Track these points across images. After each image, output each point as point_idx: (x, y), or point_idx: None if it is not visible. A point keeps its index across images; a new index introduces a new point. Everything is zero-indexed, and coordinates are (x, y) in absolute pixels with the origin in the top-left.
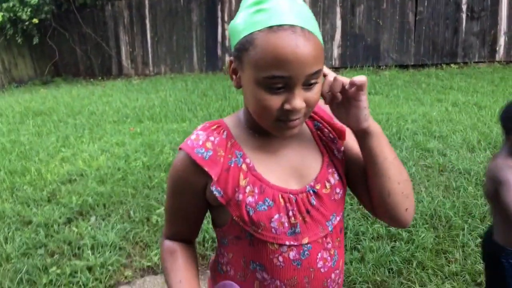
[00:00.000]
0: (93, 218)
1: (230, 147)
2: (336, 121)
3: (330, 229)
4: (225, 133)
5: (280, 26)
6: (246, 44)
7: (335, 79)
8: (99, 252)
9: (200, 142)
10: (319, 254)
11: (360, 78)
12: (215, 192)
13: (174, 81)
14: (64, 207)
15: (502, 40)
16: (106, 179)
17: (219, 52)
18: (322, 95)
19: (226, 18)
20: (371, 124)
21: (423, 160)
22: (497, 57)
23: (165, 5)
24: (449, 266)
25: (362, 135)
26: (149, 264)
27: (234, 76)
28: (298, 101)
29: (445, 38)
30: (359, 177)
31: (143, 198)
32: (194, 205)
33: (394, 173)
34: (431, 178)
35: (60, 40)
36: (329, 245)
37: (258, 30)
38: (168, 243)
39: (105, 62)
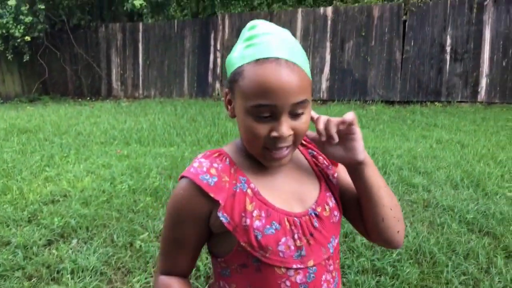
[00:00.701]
0: (74, 241)
1: (234, 173)
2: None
3: (331, 251)
4: (227, 160)
5: (266, 59)
6: (236, 76)
7: (328, 120)
8: (79, 277)
9: (204, 169)
10: (323, 277)
11: (349, 116)
12: (221, 218)
13: (164, 105)
14: (45, 229)
15: (483, 82)
16: (90, 201)
17: (210, 78)
18: (318, 134)
19: (218, 47)
20: (366, 155)
21: (408, 196)
22: (479, 98)
23: (158, 31)
24: None
25: (359, 166)
26: None
27: (229, 106)
28: (285, 128)
29: (430, 77)
30: (352, 204)
31: (128, 222)
32: (195, 234)
33: (387, 200)
34: (416, 213)
35: (51, 59)
36: (331, 267)
37: (247, 63)
38: (163, 278)
39: (95, 82)
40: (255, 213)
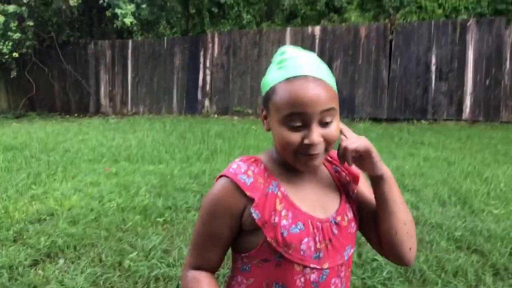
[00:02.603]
0: (61, 261)
1: (267, 177)
2: (351, 167)
3: (346, 258)
4: (262, 165)
5: (295, 77)
6: (270, 94)
7: (345, 148)
8: None
9: (243, 170)
10: (333, 280)
11: (361, 147)
12: (253, 215)
13: (152, 121)
14: (31, 248)
15: (468, 100)
16: (78, 219)
17: (199, 95)
18: (338, 157)
19: (207, 64)
20: (385, 171)
21: None
22: (464, 116)
23: (148, 48)
24: None
25: (376, 181)
26: None
27: (264, 121)
28: (316, 136)
29: (416, 95)
30: (369, 219)
31: (116, 241)
32: (228, 229)
33: (401, 214)
34: None
35: (38, 75)
36: (342, 274)
37: (279, 82)
38: (192, 272)
39: (83, 99)
40: (283, 213)
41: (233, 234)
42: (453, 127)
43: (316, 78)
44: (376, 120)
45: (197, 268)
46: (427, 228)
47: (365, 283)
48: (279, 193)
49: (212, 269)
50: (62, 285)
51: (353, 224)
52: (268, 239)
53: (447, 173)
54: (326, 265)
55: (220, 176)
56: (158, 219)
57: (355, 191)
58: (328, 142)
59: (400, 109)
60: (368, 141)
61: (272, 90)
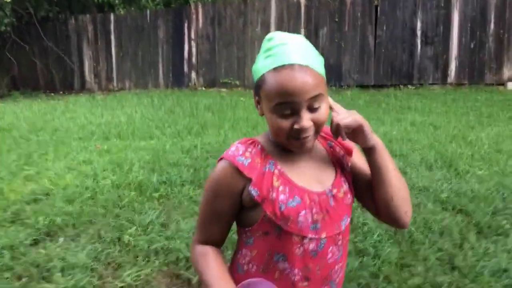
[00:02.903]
0: (61, 239)
1: (264, 157)
2: (344, 141)
3: (342, 228)
4: (259, 146)
5: (281, 66)
6: (260, 83)
7: (337, 125)
8: (69, 274)
9: (240, 152)
10: (330, 248)
11: (353, 123)
12: (252, 192)
13: (140, 97)
14: (30, 228)
15: (453, 65)
16: (74, 198)
17: (186, 68)
18: (331, 132)
19: (193, 36)
20: (376, 142)
21: None
22: (449, 80)
23: (131, 21)
24: (412, 279)
25: (368, 151)
26: (122, 285)
27: (258, 106)
28: (305, 121)
29: (402, 60)
30: (365, 188)
31: (114, 217)
32: (231, 206)
33: (395, 181)
34: None
35: (19, 53)
36: (339, 242)
37: (267, 71)
38: (200, 247)
39: (67, 76)
40: (280, 189)
41: (235, 211)
42: (439, 91)
43: (302, 66)
44: (363, 87)
45: (204, 243)
46: (414, 192)
47: (357, 246)
48: (276, 171)
49: (217, 244)
50: (65, 261)
51: (349, 195)
52: (267, 213)
53: (433, 137)
54: (323, 235)
55: (221, 159)
56: (154, 194)
57: (349, 163)
58: (317, 125)
59: (386, 75)
60: (359, 115)
61: (262, 79)
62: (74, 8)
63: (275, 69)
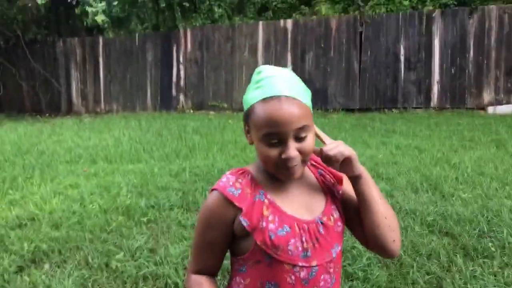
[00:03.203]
0: (47, 266)
1: (254, 186)
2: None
3: (333, 256)
4: (249, 176)
5: (270, 98)
6: (249, 112)
7: (326, 156)
8: None
9: (231, 183)
10: (322, 276)
11: (341, 156)
12: (242, 222)
13: (127, 119)
14: (15, 254)
15: (435, 89)
16: (61, 223)
17: (174, 91)
18: (323, 161)
19: (181, 59)
20: (362, 171)
21: None
22: (432, 104)
23: (119, 45)
24: None
25: (354, 180)
26: None
27: (247, 135)
28: (291, 151)
29: (386, 85)
30: (354, 215)
31: (101, 242)
32: (223, 236)
33: (381, 209)
34: None
35: (5, 75)
36: (331, 270)
37: (256, 102)
38: (194, 277)
39: (54, 98)
40: (270, 218)
41: (227, 241)
42: (422, 115)
43: (289, 97)
44: (348, 110)
45: (199, 272)
46: (401, 215)
47: (346, 270)
48: (265, 200)
49: (212, 273)
50: None
51: (339, 223)
52: (258, 242)
53: (418, 160)
54: (314, 263)
55: (213, 190)
56: (142, 218)
57: (340, 191)
58: (304, 154)
59: (371, 99)
60: (346, 146)
61: (251, 109)
62: (62, 31)
63: (263, 100)
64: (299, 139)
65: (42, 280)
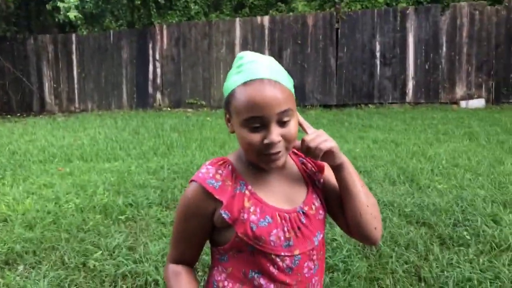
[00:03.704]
0: (21, 267)
1: (235, 178)
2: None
3: (316, 243)
4: (230, 167)
5: (251, 80)
6: (230, 98)
7: (307, 147)
8: None
9: (211, 175)
10: (306, 263)
11: (324, 148)
12: (223, 215)
13: (103, 118)
14: None
15: (410, 84)
16: (35, 223)
17: (150, 89)
18: (303, 153)
19: (157, 57)
20: (343, 160)
21: None
22: (407, 99)
23: (93, 42)
24: None
25: (336, 169)
26: None
27: (228, 124)
28: (274, 135)
29: (363, 81)
30: (336, 203)
31: (78, 242)
32: (201, 228)
33: (363, 197)
34: None
35: None
36: (314, 257)
37: (237, 86)
38: (172, 266)
39: (25, 97)
40: (251, 209)
41: (206, 232)
42: (398, 110)
43: (272, 80)
44: (326, 106)
45: (177, 261)
46: (380, 207)
47: (327, 262)
48: (246, 192)
49: (190, 262)
50: None
51: (321, 211)
52: (239, 234)
53: (395, 153)
54: (297, 251)
55: (192, 181)
56: (120, 217)
57: (321, 180)
58: (287, 141)
59: (348, 95)
60: (327, 137)
61: (232, 94)
62: (33, 27)
63: (244, 83)
64: (282, 123)
65: (16, 282)
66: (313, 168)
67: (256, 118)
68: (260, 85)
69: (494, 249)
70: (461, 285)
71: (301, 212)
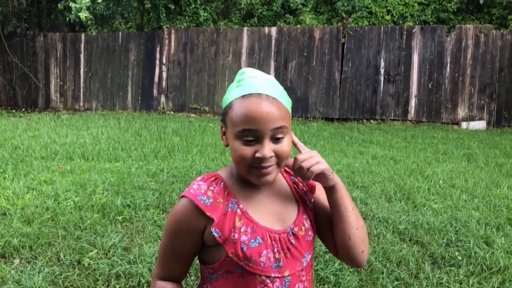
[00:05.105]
0: (17, 261)
1: (227, 195)
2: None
3: (304, 264)
4: (222, 184)
5: (250, 95)
6: (227, 109)
7: (300, 168)
8: None
9: (203, 191)
10: (296, 285)
11: (316, 170)
12: (214, 233)
13: (106, 118)
14: None
15: (413, 102)
16: (33, 219)
17: (155, 92)
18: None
19: (164, 60)
20: (336, 182)
21: None
22: (409, 117)
23: (102, 42)
24: None
25: (328, 191)
26: None
27: (223, 137)
28: (267, 150)
29: (366, 96)
30: (325, 224)
31: (75, 240)
32: (191, 245)
33: (353, 220)
34: None
35: None
36: (304, 278)
37: (235, 99)
38: (160, 283)
39: (31, 93)
40: (242, 229)
41: (196, 250)
42: (399, 127)
43: (270, 96)
44: (328, 119)
45: (164, 278)
46: (374, 222)
47: (319, 274)
48: (238, 210)
49: (178, 280)
50: (20, 285)
51: (310, 232)
52: (229, 254)
53: (393, 170)
54: (287, 273)
55: (182, 196)
56: (117, 217)
57: (312, 200)
58: (279, 157)
59: (351, 109)
60: (321, 160)
61: (229, 106)
62: (43, 25)
63: (243, 96)
64: (275, 140)
65: (11, 275)
66: (304, 188)
67: (250, 131)
68: (257, 99)
69: (485, 271)
70: None
71: (290, 233)
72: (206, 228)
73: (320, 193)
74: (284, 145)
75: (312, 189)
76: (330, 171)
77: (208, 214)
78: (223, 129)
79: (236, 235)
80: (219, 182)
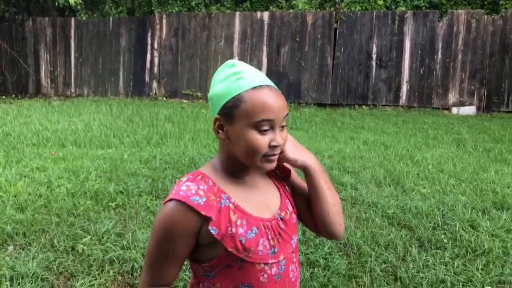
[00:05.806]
0: (11, 248)
1: (217, 191)
2: (283, 164)
3: (293, 246)
4: (210, 181)
5: (260, 86)
6: (236, 102)
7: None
8: (18, 284)
9: (193, 191)
10: (290, 267)
11: (298, 164)
12: (212, 231)
13: (98, 104)
14: None
15: (404, 88)
16: (26, 206)
17: (147, 78)
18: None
19: (155, 46)
20: (311, 163)
21: (338, 193)
22: (400, 102)
23: (92, 27)
24: None
25: (304, 171)
26: None
27: (220, 131)
28: (279, 138)
29: (358, 82)
30: (303, 205)
31: (68, 226)
32: (186, 248)
33: (330, 198)
34: (345, 210)
35: None
36: (294, 259)
37: (244, 91)
38: None
39: (21, 79)
40: (238, 222)
41: (189, 251)
42: (391, 113)
43: (274, 88)
44: (320, 105)
45: (155, 285)
46: (364, 207)
47: (309, 257)
48: (230, 205)
49: (169, 284)
50: (15, 271)
51: (293, 215)
52: (228, 249)
53: (383, 156)
54: (281, 257)
55: (170, 200)
56: (110, 203)
57: (289, 184)
58: (283, 143)
59: (343, 95)
60: (307, 154)
61: (239, 98)
62: (32, 9)
63: (255, 88)
64: (281, 127)
65: (6, 261)
66: (281, 174)
67: (269, 121)
68: (269, 90)
69: (469, 253)
70: (434, 286)
71: (279, 218)
72: (202, 228)
73: (295, 177)
74: (286, 132)
75: (287, 174)
76: (290, 155)
77: (204, 214)
78: (220, 122)
79: (234, 229)
80: (206, 179)
